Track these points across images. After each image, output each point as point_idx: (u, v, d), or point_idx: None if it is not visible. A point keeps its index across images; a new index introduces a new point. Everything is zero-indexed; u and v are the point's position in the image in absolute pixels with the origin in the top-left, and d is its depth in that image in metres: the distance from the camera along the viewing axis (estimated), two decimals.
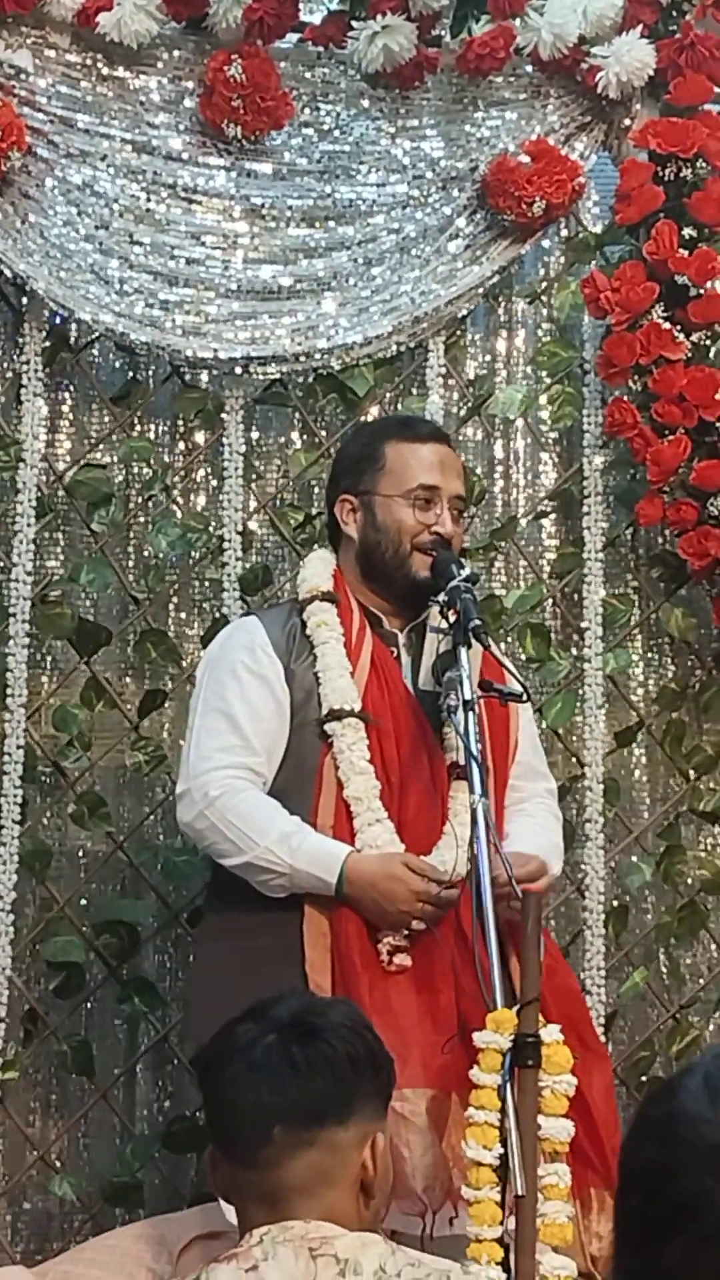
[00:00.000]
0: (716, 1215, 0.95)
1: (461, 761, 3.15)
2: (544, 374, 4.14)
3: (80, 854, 3.97)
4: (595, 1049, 3.23)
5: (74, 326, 3.95)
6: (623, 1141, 1.03)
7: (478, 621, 3.14)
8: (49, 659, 3.97)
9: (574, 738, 4.07)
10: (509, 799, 3.38)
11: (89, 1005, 3.93)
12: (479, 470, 4.12)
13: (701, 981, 4.12)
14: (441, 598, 3.24)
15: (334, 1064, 2.05)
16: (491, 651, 3.22)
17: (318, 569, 3.40)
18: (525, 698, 3.22)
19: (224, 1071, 2.08)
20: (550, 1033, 2.76)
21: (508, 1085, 2.72)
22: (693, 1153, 0.97)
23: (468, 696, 3.06)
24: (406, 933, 3.13)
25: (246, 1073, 2.06)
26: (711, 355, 3.95)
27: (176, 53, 3.93)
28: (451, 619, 3.19)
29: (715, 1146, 0.96)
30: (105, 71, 3.89)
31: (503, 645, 3.92)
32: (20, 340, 3.91)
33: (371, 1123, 2.07)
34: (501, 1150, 2.71)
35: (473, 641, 3.14)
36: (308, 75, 3.99)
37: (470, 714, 3.05)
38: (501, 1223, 2.70)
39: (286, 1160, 2.01)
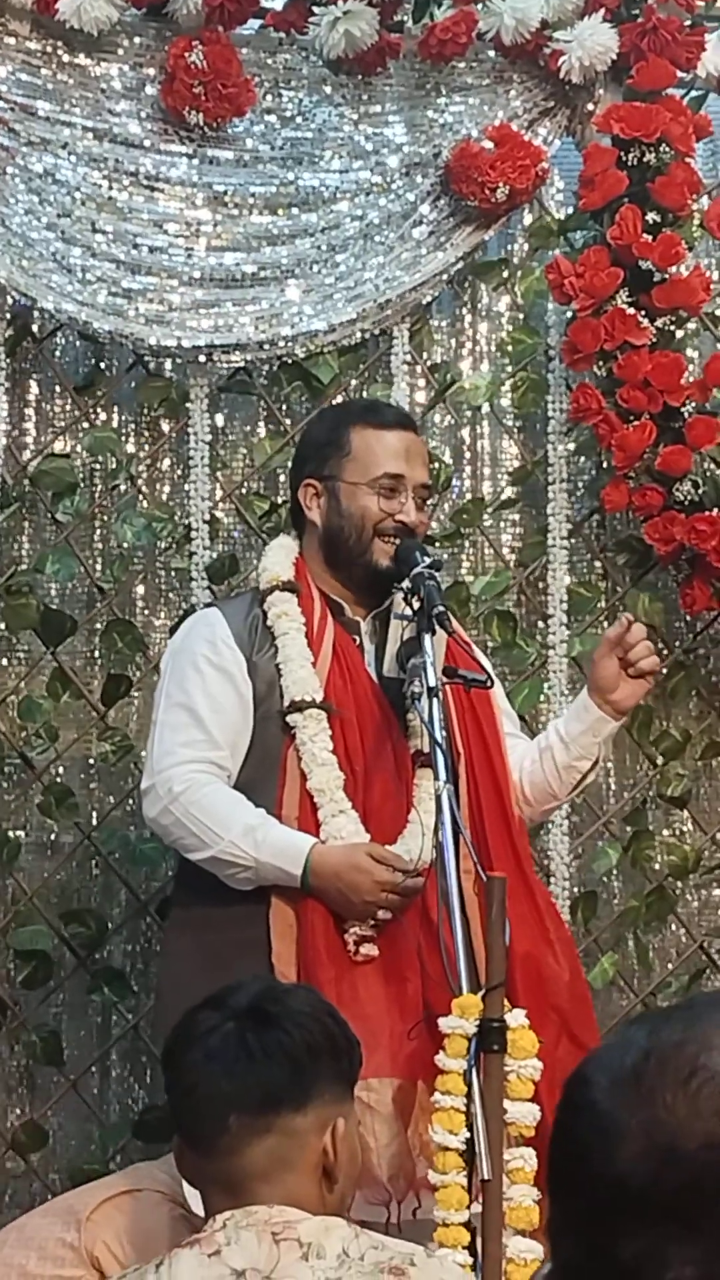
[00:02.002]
0: (582, 1168, 0.99)
1: (426, 749, 3.15)
2: (509, 360, 4.13)
3: (48, 845, 3.96)
4: (587, 1047, 3.20)
5: (37, 316, 3.93)
6: None
7: (441, 608, 3.14)
8: (14, 650, 3.96)
9: (540, 724, 4.07)
10: (520, 743, 3.44)
11: (61, 996, 3.92)
12: (444, 457, 4.11)
13: (670, 966, 4.12)
14: (405, 584, 3.24)
15: (289, 1051, 2.05)
16: (457, 638, 3.22)
17: (278, 558, 3.40)
18: (489, 684, 3.22)
19: (183, 1060, 2.09)
20: (515, 1018, 2.76)
21: (473, 1070, 2.73)
22: (575, 1110, 1.01)
23: (432, 683, 3.06)
24: (373, 922, 3.13)
25: (203, 1061, 2.06)
26: (676, 340, 3.96)
27: (137, 39, 3.91)
28: (415, 606, 3.19)
29: (590, 1103, 1.00)
30: (65, 59, 3.87)
31: (469, 633, 3.92)
32: None
33: (332, 1107, 2.07)
34: (468, 1135, 2.71)
35: (436, 628, 3.14)
36: (269, 62, 3.97)
37: (434, 701, 3.05)
38: (468, 1207, 2.71)
39: (244, 1147, 2.01)
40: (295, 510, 3.45)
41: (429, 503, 3.49)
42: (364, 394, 4.04)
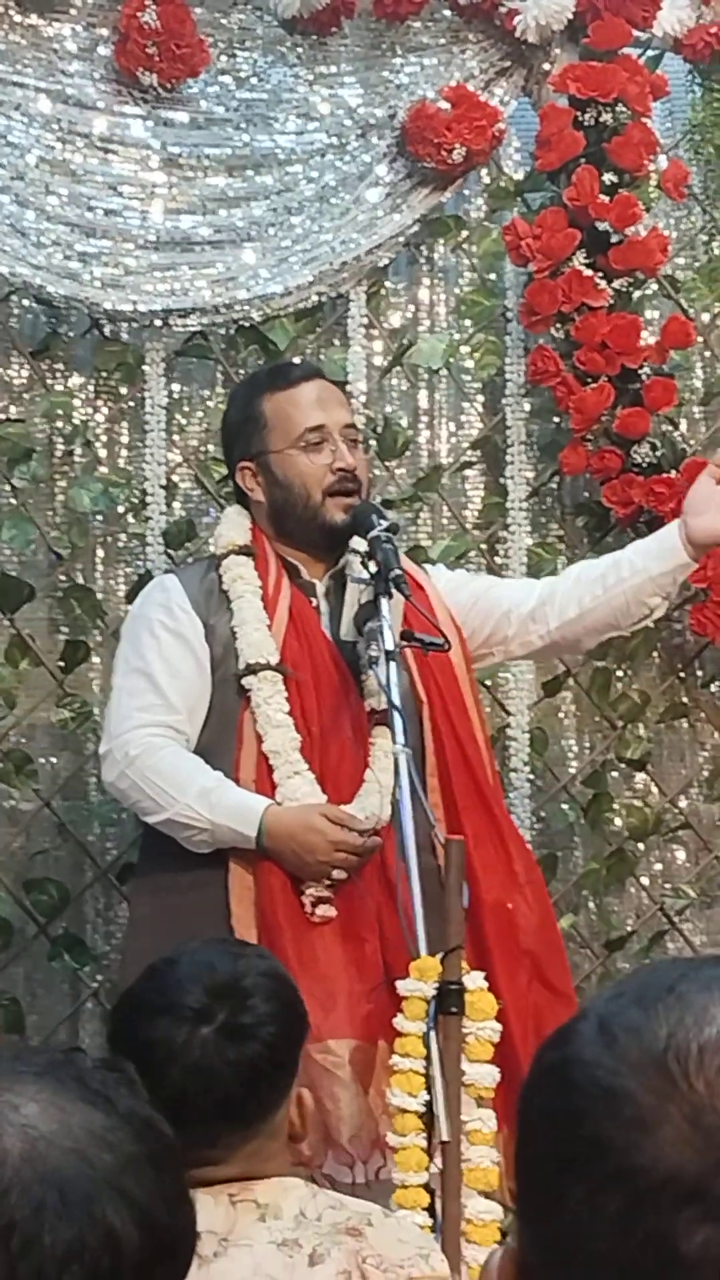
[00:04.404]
0: (613, 1158, 0.93)
1: (380, 708, 3.16)
2: (466, 323, 4.12)
3: (7, 812, 3.95)
4: (560, 990, 3.26)
5: None
6: (521, 1090, 1.02)
7: (398, 571, 3.15)
8: None
9: (502, 692, 4.07)
10: (523, 605, 3.43)
11: (22, 964, 3.91)
12: (402, 421, 4.10)
13: (630, 927, 4.13)
14: (362, 548, 3.24)
15: (272, 1059, 1.99)
16: (413, 602, 3.22)
17: (234, 523, 3.41)
18: (447, 647, 3.22)
19: (163, 1077, 1.94)
20: (474, 980, 2.77)
21: (432, 1032, 2.73)
22: (588, 1097, 0.95)
23: (389, 647, 3.07)
24: (329, 883, 3.14)
25: (183, 1078, 1.95)
26: (634, 302, 3.95)
27: None
28: (372, 569, 3.19)
29: (610, 1090, 0.95)
30: (17, 19, 3.83)
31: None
32: None
33: (294, 1079, 2.05)
34: (427, 1097, 2.72)
35: (393, 592, 3.14)
36: (224, 22, 3.94)
37: (392, 664, 3.06)
38: (427, 1168, 2.72)
39: (230, 1155, 1.97)
40: (239, 495, 3.45)
41: (360, 442, 3.47)
42: (321, 358, 4.02)
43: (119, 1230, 0.97)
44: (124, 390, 4.00)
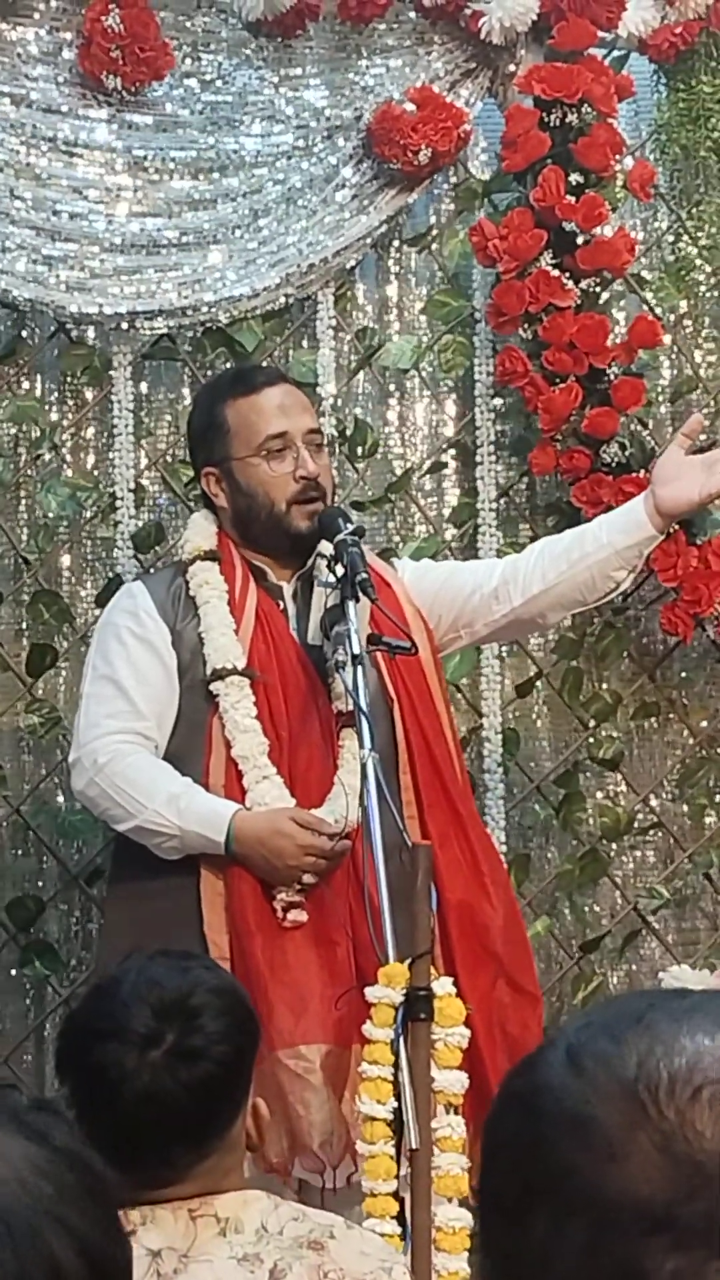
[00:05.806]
0: (581, 1187, 0.93)
1: (348, 710, 3.16)
2: (435, 323, 4.11)
3: None
4: (525, 990, 3.28)
5: None
6: (487, 1118, 1.01)
7: (364, 575, 3.14)
8: None
9: (477, 693, 4.06)
10: (486, 584, 3.43)
11: None
12: (372, 422, 4.09)
13: (604, 927, 4.13)
14: (329, 552, 3.24)
15: (225, 1078, 1.96)
16: (379, 606, 3.22)
17: (201, 528, 3.41)
18: (414, 650, 3.22)
19: (115, 1101, 1.91)
20: (443, 985, 2.76)
21: (401, 1039, 2.72)
22: (556, 1125, 0.95)
23: (356, 651, 3.06)
24: (300, 888, 3.13)
25: (137, 1104, 1.92)
26: (601, 302, 3.95)
27: (53, 3, 3.85)
28: (339, 573, 3.18)
29: (579, 1118, 0.94)
30: None
31: None
32: None
33: (250, 1090, 2.04)
34: (396, 1104, 2.71)
35: (360, 595, 3.13)
36: (188, 25, 3.93)
37: (359, 668, 3.05)
38: (397, 1176, 2.71)
39: (186, 1175, 1.95)
40: (206, 500, 3.45)
41: (324, 447, 3.46)
42: (289, 359, 4.01)
43: (62, 1260, 0.96)
44: (90, 394, 3.98)
